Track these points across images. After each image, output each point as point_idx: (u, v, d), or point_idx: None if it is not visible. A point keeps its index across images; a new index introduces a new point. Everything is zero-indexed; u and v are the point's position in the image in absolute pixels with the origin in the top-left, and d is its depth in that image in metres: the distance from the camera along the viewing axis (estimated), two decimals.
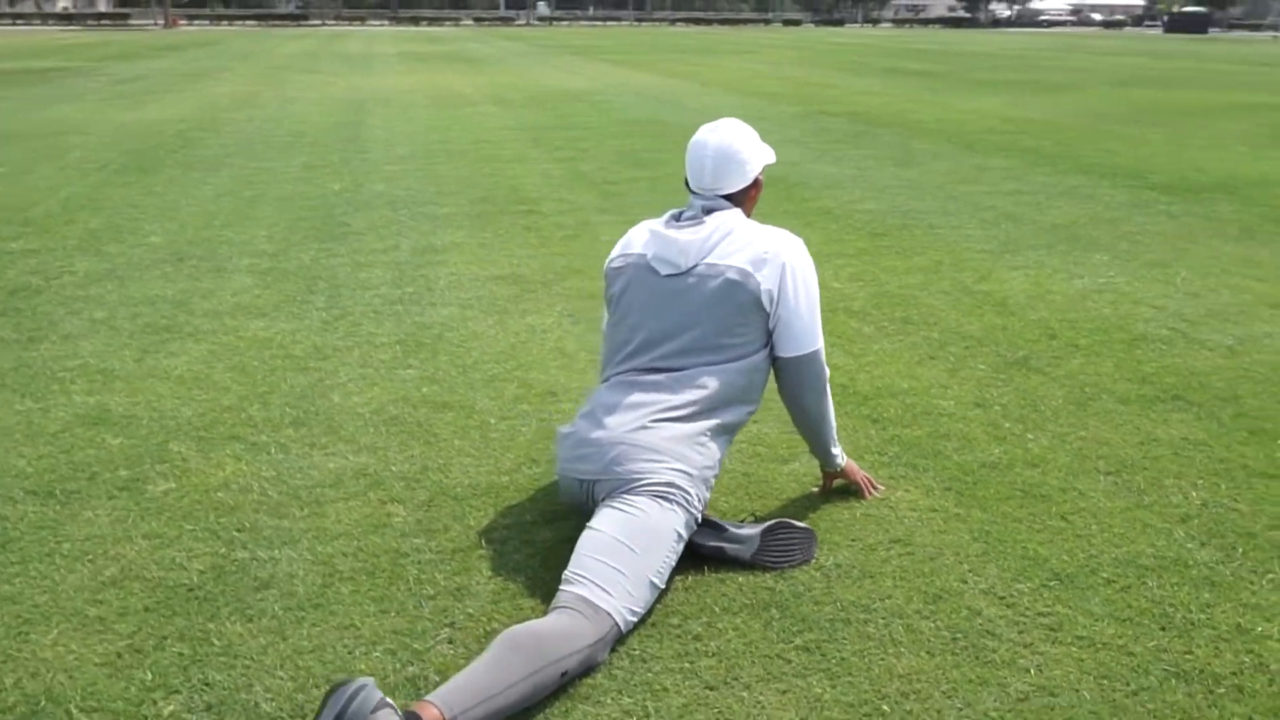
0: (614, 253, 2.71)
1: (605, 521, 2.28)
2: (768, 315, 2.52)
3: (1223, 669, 2.02)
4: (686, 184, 2.65)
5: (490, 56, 27.76)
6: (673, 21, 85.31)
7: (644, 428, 2.40)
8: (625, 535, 2.23)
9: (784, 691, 1.96)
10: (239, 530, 2.59)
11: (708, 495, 2.45)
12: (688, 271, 2.53)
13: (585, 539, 2.27)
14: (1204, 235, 6.06)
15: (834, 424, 2.68)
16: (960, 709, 1.89)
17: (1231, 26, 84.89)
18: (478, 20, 78.94)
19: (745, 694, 1.95)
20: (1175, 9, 75.85)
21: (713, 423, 2.46)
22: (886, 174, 8.27)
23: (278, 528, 2.61)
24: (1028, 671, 2.01)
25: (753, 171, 2.62)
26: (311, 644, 2.10)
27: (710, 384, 2.48)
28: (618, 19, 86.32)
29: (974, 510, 2.69)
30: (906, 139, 10.46)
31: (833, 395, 2.67)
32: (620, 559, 2.19)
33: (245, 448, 3.05)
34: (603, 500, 2.36)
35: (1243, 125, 11.95)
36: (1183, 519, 2.64)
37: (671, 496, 2.31)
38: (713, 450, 2.45)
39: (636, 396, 2.47)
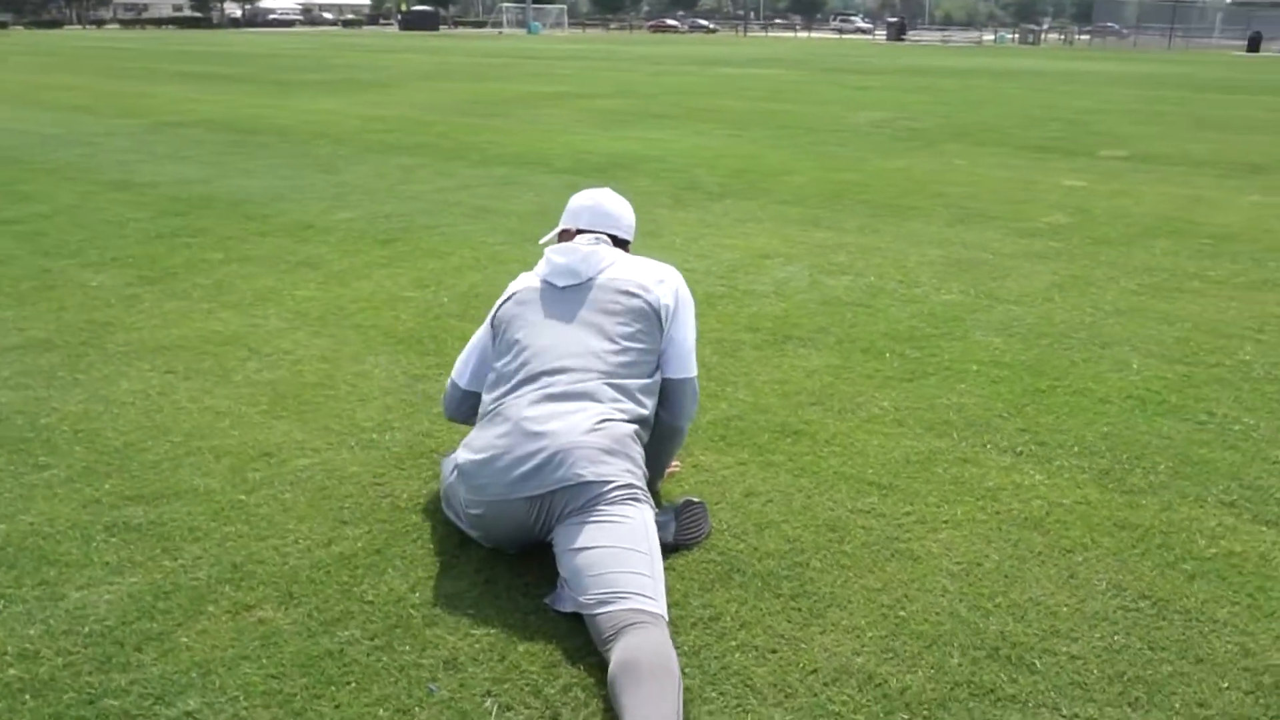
0: (500, 300, 2.75)
1: (597, 536, 2.28)
2: (661, 332, 2.67)
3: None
4: (565, 233, 2.86)
5: None
6: None
7: (594, 430, 2.43)
8: (628, 542, 2.28)
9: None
10: None
11: None
12: (588, 282, 2.64)
13: (589, 558, 2.24)
14: (653, 206, 7.14)
15: None
16: None
17: (457, 24, 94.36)
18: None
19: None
20: (406, 8, 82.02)
21: (638, 426, 2.56)
22: (321, 181, 8.17)
23: None
24: None
25: (633, 230, 2.95)
26: None
27: (631, 387, 2.58)
28: None
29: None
30: (301, 144, 10.31)
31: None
32: (638, 564, 2.24)
33: None
34: (569, 515, 2.33)
35: (551, 110, 13.87)
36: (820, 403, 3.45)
37: (639, 497, 2.40)
38: (642, 449, 2.57)
39: (569, 404, 2.48)
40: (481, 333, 2.81)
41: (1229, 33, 59.02)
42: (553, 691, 2.07)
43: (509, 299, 2.73)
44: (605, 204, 2.89)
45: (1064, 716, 1.99)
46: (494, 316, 2.75)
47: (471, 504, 2.45)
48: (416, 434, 3.31)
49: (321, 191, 7.68)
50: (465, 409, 2.85)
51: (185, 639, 2.23)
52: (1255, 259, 5.83)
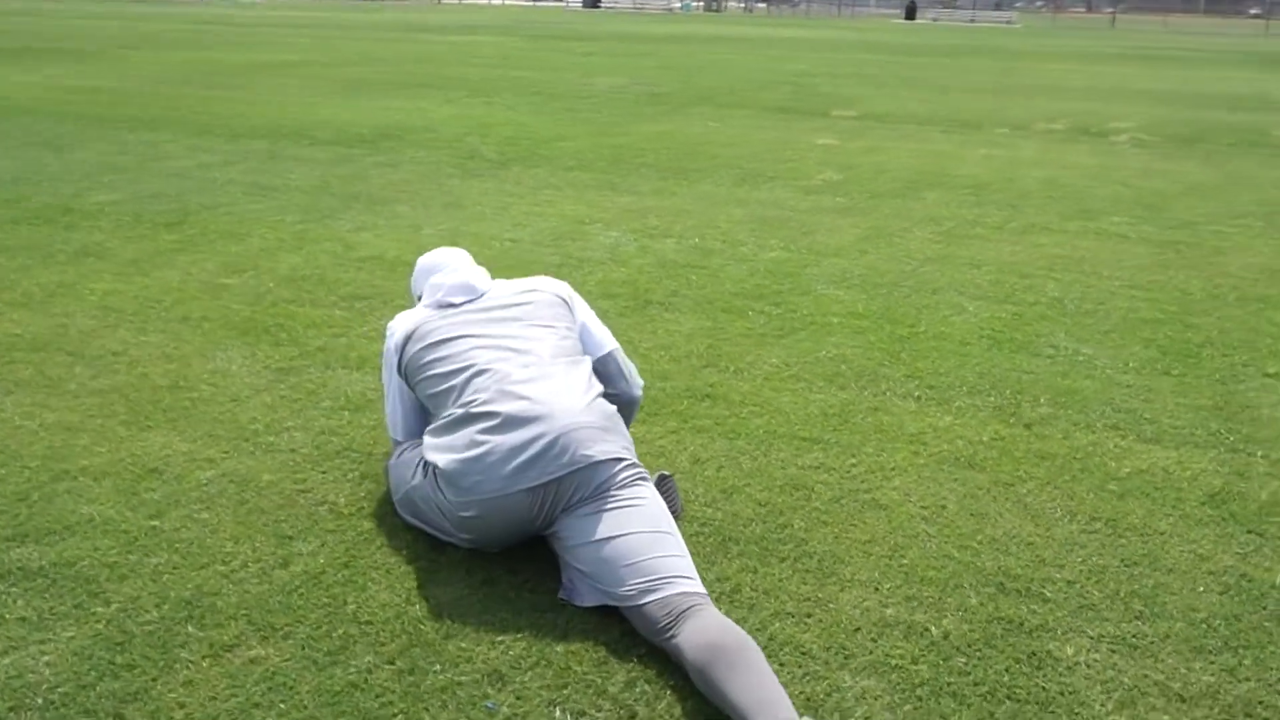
0: (395, 348, 2.59)
1: (620, 523, 2.19)
2: (573, 318, 2.67)
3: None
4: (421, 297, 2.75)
5: None
6: None
7: (587, 408, 2.34)
8: (652, 525, 2.21)
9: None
10: None
11: None
12: (483, 295, 2.64)
13: (618, 548, 2.15)
14: (442, 177, 6.89)
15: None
16: None
17: None
18: None
19: None
20: None
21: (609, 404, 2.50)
22: (56, 160, 7.19)
23: None
24: None
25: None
26: None
27: (585, 367, 2.52)
28: None
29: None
30: (12, 119, 9.04)
31: None
32: (669, 546, 2.18)
33: None
34: (578, 504, 2.23)
35: (291, 79, 13.01)
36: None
37: (645, 476, 2.33)
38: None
39: (546, 386, 2.37)
40: (393, 387, 2.64)
41: (886, 3, 64.82)
42: (616, 689, 1.97)
43: (408, 340, 2.57)
44: (469, 266, 2.79)
45: (1091, 638, 2.14)
46: (401, 366, 2.58)
47: (462, 505, 2.27)
48: (317, 433, 3.02)
49: (64, 171, 6.78)
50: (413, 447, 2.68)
51: (172, 694, 1.93)
52: (1013, 206, 6.44)
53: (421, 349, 2.55)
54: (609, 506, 2.22)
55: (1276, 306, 4.42)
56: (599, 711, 1.91)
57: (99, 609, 2.17)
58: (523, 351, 2.48)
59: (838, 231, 5.64)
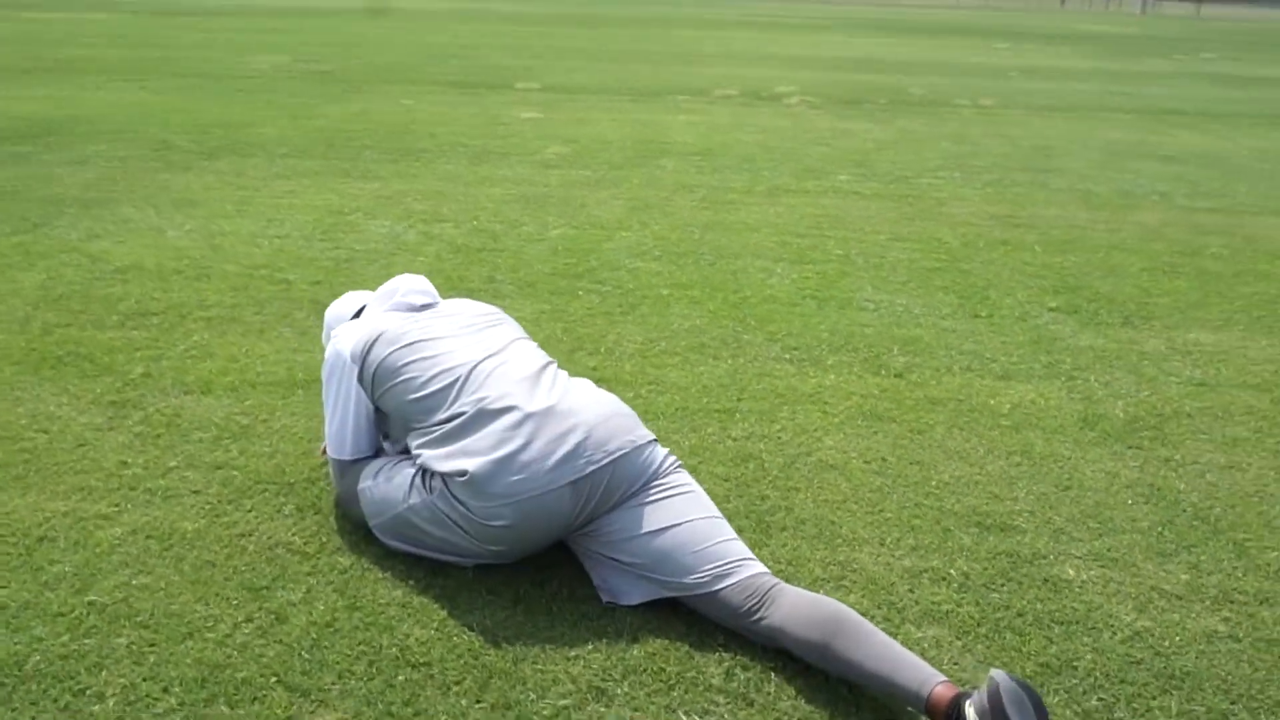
0: (353, 347, 2.39)
1: (678, 511, 2.14)
2: None
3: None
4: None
5: None
6: None
7: (609, 398, 2.29)
8: (707, 510, 2.19)
9: None
10: None
11: None
12: (440, 304, 2.55)
13: (680, 536, 2.10)
14: (148, 173, 6.15)
15: None
16: None
17: None
18: None
19: None
20: None
21: None
22: None
23: None
24: None
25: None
26: None
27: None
28: None
29: None
30: None
31: None
32: (727, 530, 2.17)
33: None
34: (624, 498, 2.15)
35: None
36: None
37: (680, 462, 2.30)
38: None
39: (551, 378, 2.29)
40: (348, 401, 2.39)
41: None
42: (719, 680, 1.94)
43: (372, 344, 2.35)
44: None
45: (1078, 558, 2.39)
46: (363, 374, 2.35)
47: (493, 513, 2.10)
48: (210, 469, 2.66)
49: None
50: (355, 473, 2.42)
51: None
52: (746, 170, 6.81)
53: (395, 351, 2.33)
54: (661, 495, 2.17)
55: (1018, 248, 5.06)
56: (718, 706, 1.88)
57: (95, 708, 1.81)
58: (518, 354, 2.34)
59: (605, 205, 5.71)
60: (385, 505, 2.28)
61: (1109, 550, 2.43)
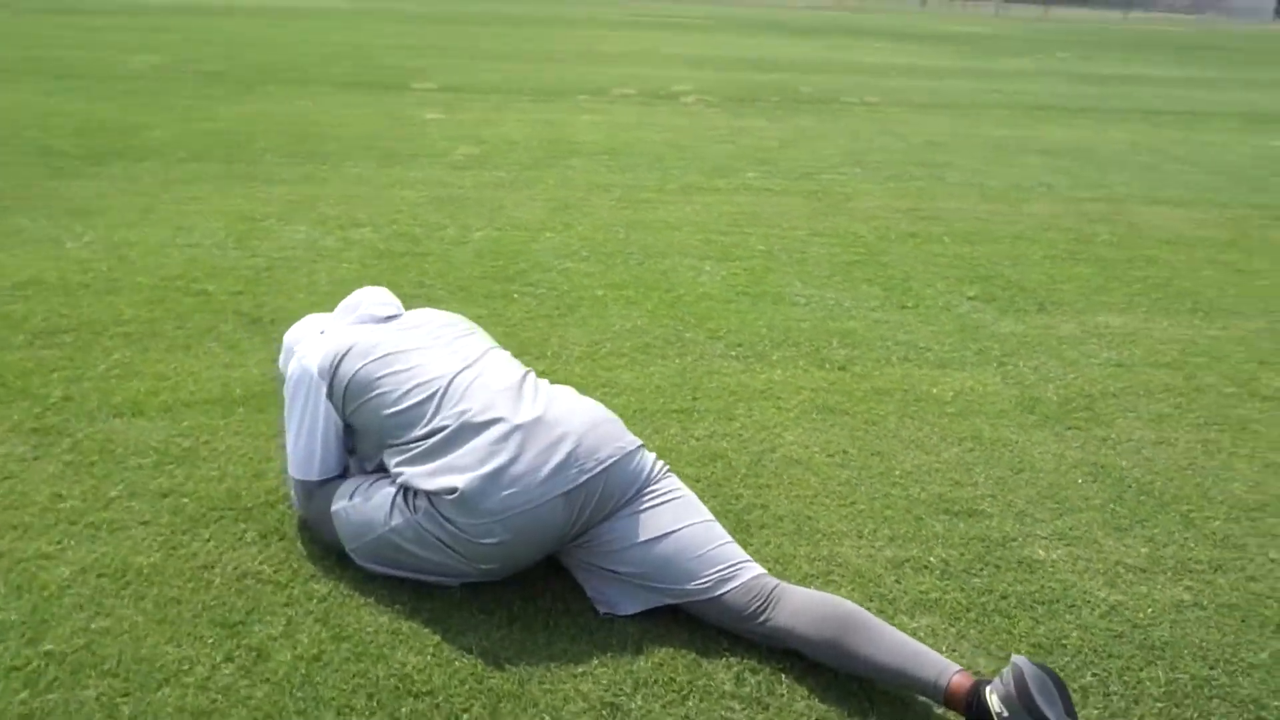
0: (320, 362, 2.30)
1: (674, 517, 2.13)
2: None
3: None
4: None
5: None
6: None
7: (593, 404, 2.26)
8: (702, 515, 2.18)
9: None
10: None
11: None
12: (404, 315, 2.48)
13: (679, 542, 2.09)
14: (37, 179, 5.82)
15: None
16: None
17: None
18: None
19: None
20: None
21: None
22: None
23: None
24: None
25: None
26: None
27: None
28: None
29: None
30: None
31: None
32: (723, 533, 2.17)
33: None
34: (618, 508, 2.12)
35: None
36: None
37: (668, 467, 2.28)
38: None
39: (547, 389, 2.27)
40: (315, 419, 2.29)
41: None
42: (729, 686, 1.95)
43: (342, 358, 2.27)
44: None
45: (1044, 539, 2.47)
46: (334, 390, 2.27)
47: (485, 530, 2.05)
48: (156, 496, 2.53)
49: None
50: (325, 495, 2.34)
51: None
52: (657, 169, 6.82)
53: (368, 365, 2.26)
54: (655, 502, 2.15)
55: (928, 240, 5.20)
56: (734, 713, 1.89)
57: None
58: (495, 364, 2.30)
59: (523, 206, 5.65)
60: (364, 528, 2.21)
61: (1070, 529, 2.52)
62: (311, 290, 4.12)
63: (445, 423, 2.15)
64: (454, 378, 2.23)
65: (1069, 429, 3.08)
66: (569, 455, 2.09)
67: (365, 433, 2.29)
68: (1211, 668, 2.03)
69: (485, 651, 2.02)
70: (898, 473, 2.77)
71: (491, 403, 2.16)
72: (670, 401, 3.17)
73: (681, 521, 2.13)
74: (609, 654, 2.03)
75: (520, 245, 4.86)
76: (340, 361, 2.28)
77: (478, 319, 3.87)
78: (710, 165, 6.97)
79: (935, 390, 3.33)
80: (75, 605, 2.12)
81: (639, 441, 2.22)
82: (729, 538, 2.15)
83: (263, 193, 5.76)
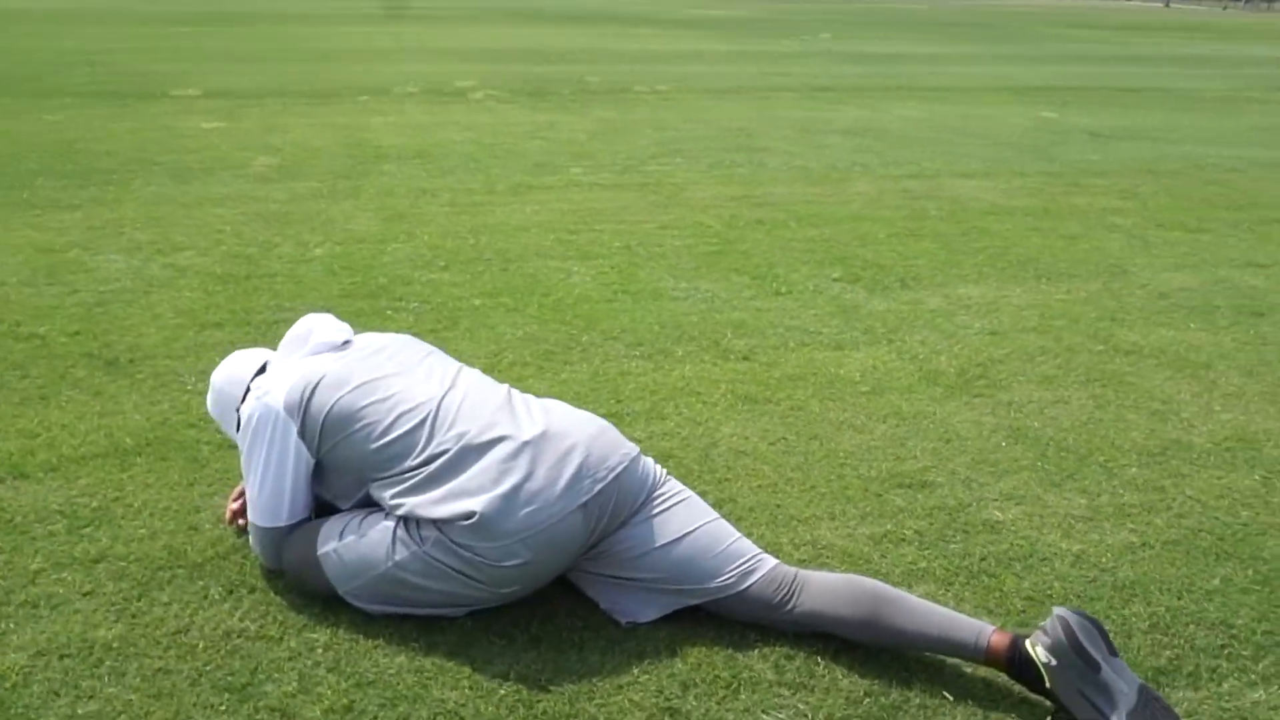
0: (287, 397, 2.14)
1: (688, 518, 2.13)
2: None
3: None
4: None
5: None
6: None
7: (586, 414, 2.23)
8: (711, 512, 2.19)
9: None
10: None
11: None
12: (355, 339, 2.35)
13: (697, 543, 2.09)
14: None
15: None
16: None
17: None
18: None
19: None
20: None
21: None
22: None
23: None
24: None
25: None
26: None
27: None
28: None
29: None
30: None
31: None
32: (731, 528, 2.18)
33: None
34: (630, 516, 2.10)
35: None
36: None
37: (665, 470, 2.27)
38: None
39: (535, 401, 2.23)
40: (288, 458, 2.13)
41: None
42: (773, 674, 1.96)
43: (313, 392, 2.13)
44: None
45: (996, 500, 2.63)
46: (307, 428, 2.12)
47: (508, 552, 1.97)
48: (94, 561, 2.27)
49: None
50: (303, 540, 2.18)
51: None
52: (475, 170, 6.68)
53: (345, 396, 2.12)
54: (666, 505, 2.14)
55: (775, 226, 5.38)
56: (784, 699, 1.91)
57: None
58: (475, 383, 2.21)
59: (353, 217, 5.40)
60: (362, 567, 2.07)
61: (1014, 490, 2.70)
62: (159, 324, 3.79)
63: (443, 447, 2.05)
64: (440, 401, 2.13)
65: (975, 397, 3.29)
66: (581, 466, 2.05)
67: (341, 469, 2.15)
68: (1179, 598, 2.25)
69: (523, 677, 1.95)
70: (841, 454, 2.88)
71: (493, 421, 2.09)
72: (596, 407, 3.14)
73: (695, 522, 2.14)
74: (646, 661, 2.01)
75: (369, 259, 4.66)
76: (311, 396, 2.13)
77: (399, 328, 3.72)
78: (530, 163, 6.92)
79: (843, 371, 3.47)
80: (48, 693, 1.89)
81: (633, 446, 2.20)
82: (739, 533, 2.17)
83: (52, 220, 5.23)
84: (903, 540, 2.44)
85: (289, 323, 3.91)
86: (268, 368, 2.29)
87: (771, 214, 5.64)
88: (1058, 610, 1.85)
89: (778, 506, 2.58)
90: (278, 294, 4.16)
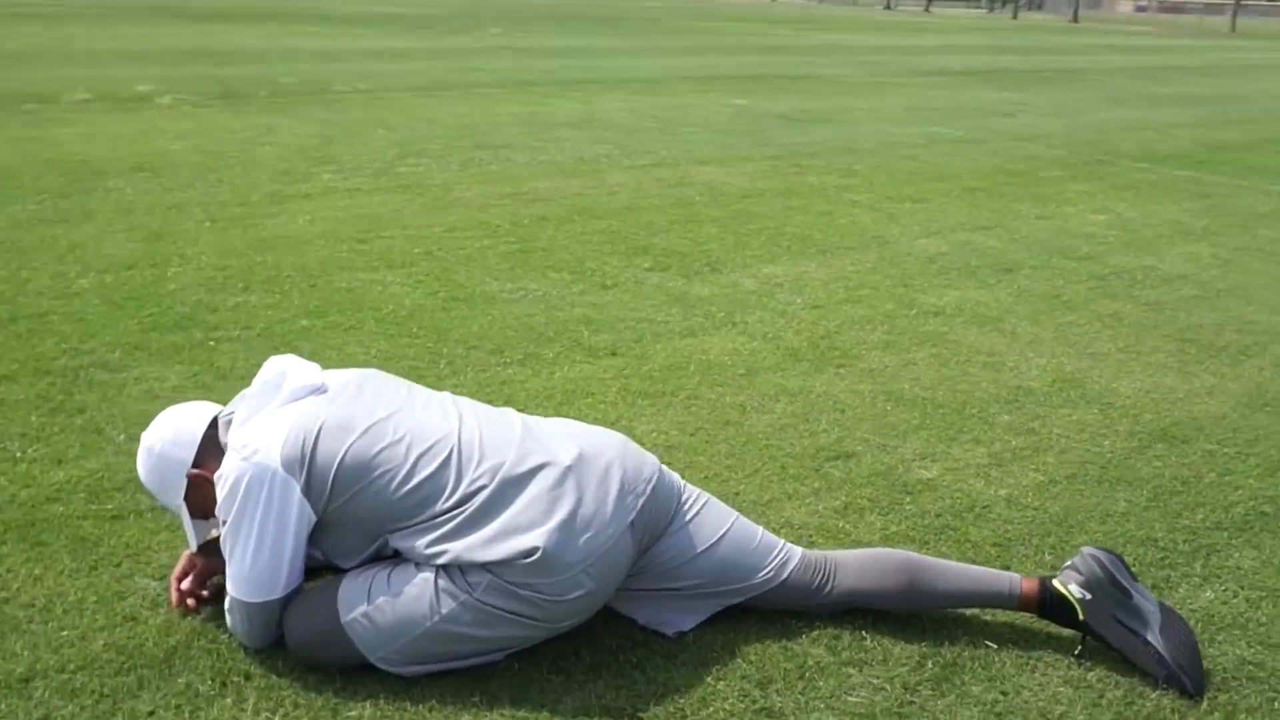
0: (286, 453, 1.93)
1: (718, 522, 2.15)
2: None
3: None
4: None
5: None
6: None
7: (601, 429, 2.19)
8: (730, 512, 2.21)
9: None
10: None
11: None
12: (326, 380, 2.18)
13: (731, 544, 2.12)
14: None
15: None
16: None
17: None
18: None
19: None
20: None
21: None
22: None
23: None
24: None
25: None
26: None
27: None
28: None
29: None
30: None
31: None
32: (753, 523, 2.22)
33: None
34: (665, 529, 2.09)
35: None
36: None
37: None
38: None
39: (544, 423, 2.15)
40: (288, 522, 1.92)
41: None
42: (830, 657, 2.04)
43: (315, 443, 1.93)
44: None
45: (953, 470, 2.84)
46: (311, 484, 1.92)
47: (574, 585, 1.90)
48: (24, 679, 1.93)
49: None
50: (313, 610, 2.00)
51: None
52: (215, 184, 6.14)
53: (359, 442, 1.95)
54: (695, 511, 2.15)
55: (563, 221, 5.39)
56: (853, 678, 2.00)
57: None
58: (479, 412, 2.10)
59: (104, 241, 4.80)
60: (401, 628, 1.92)
61: (926, 449, 2.95)
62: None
63: (479, 484, 1.95)
64: (459, 435, 2.01)
65: (839, 368, 3.53)
66: (622, 484, 2.02)
67: (351, 524, 1.97)
68: (1103, 522, 2.58)
69: (606, 709, 1.90)
70: (760, 436, 3.00)
71: (525, 450, 2.00)
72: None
73: (726, 521, 2.17)
74: (714, 668, 2.03)
75: (150, 286, 4.20)
76: (314, 449, 1.93)
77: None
78: (273, 170, 6.45)
79: (711, 357, 3.59)
80: None
81: (652, 457, 2.19)
82: (756, 527, 2.23)
83: None
84: (864, 509, 2.61)
85: (96, 366, 3.58)
86: (234, 422, 2.05)
87: (549, 210, 5.65)
88: (1086, 549, 2.08)
89: (734, 495, 2.66)
90: (64, 335, 3.65)
